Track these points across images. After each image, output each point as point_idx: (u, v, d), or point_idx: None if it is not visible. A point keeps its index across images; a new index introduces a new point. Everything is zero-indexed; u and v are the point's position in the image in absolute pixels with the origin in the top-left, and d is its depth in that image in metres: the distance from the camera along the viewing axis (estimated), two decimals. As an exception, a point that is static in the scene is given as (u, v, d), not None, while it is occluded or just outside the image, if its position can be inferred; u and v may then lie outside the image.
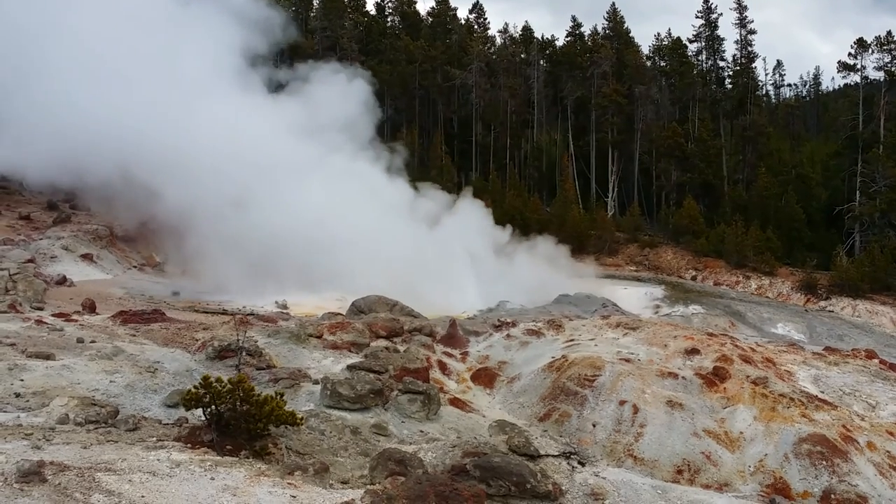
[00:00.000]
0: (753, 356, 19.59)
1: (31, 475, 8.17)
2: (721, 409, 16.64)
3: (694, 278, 51.96)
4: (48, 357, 15.54)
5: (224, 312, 28.36)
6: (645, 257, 56.53)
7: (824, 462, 14.25)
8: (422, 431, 14.66)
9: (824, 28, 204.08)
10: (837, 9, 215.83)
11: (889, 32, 57.74)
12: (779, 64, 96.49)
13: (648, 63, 76.42)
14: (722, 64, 73.61)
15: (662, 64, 75.04)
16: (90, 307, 24.70)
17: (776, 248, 51.50)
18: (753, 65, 71.98)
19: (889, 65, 57.71)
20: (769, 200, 57.27)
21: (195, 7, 44.62)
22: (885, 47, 57.78)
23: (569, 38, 79.62)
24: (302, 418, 12.54)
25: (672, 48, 73.68)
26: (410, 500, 8.92)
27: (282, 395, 12.30)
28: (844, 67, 59.87)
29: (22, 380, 13.82)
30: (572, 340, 21.78)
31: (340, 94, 46.69)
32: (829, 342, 31.99)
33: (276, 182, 38.22)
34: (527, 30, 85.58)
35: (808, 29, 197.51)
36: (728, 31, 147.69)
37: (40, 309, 24.10)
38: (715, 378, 17.81)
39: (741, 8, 68.89)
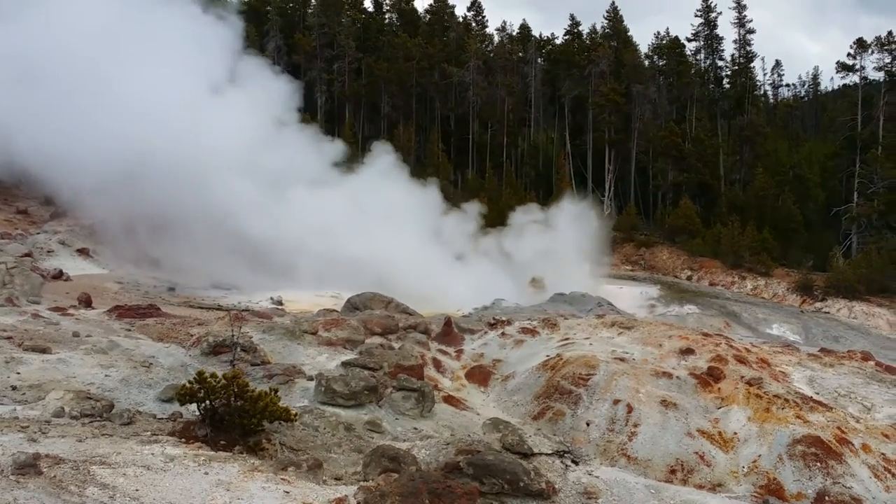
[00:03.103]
0: (748, 357, 19.58)
1: (27, 468, 8.19)
2: (715, 409, 16.63)
3: (689, 278, 52.03)
4: (44, 350, 15.56)
5: (219, 308, 28.44)
6: (641, 257, 56.60)
7: (819, 464, 14.25)
8: (416, 429, 14.67)
9: (813, 28, 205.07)
10: (824, 9, 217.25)
11: (890, 33, 57.77)
12: (777, 64, 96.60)
13: (646, 62, 76.40)
14: (720, 63, 73.73)
15: (660, 63, 74.98)
16: (86, 301, 24.72)
17: (772, 248, 51.52)
18: (752, 64, 72.25)
19: (889, 65, 57.71)
20: (766, 201, 57.36)
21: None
22: (885, 48, 57.73)
23: (567, 37, 79.69)
24: (296, 414, 12.56)
25: (670, 47, 73.69)
26: (403, 496, 8.94)
27: (276, 390, 12.30)
28: (843, 68, 59.89)
29: (18, 373, 13.84)
30: (567, 339, 21.78)
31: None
32: (824, 343, 32.00)
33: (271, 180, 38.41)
34: (524, 28, 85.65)
35: (797, 29, 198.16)
36: (726, 31, 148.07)
37: (37, 303, 24.13)
38: (709, 378, 17.81)
39: (740, 7, 69.02)
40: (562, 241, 44.65)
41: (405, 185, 46.06)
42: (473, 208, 48.73)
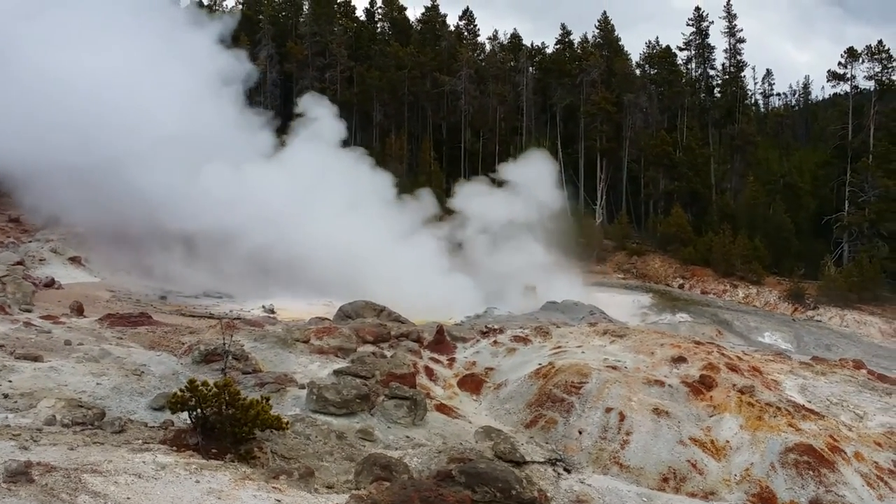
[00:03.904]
0: (740, 365, 19.61)
1: (19, 475, 8.17)
2: (707, 417, 16.65)
3: (681, 286, 52.03)
4: (36, 359, 15.53)
5: (211, 316, 28.35)
6: (633, 265, 56.56)
7: (811, 472, 14.27)
8: (408, 437, 14.64)
9: (800, 37, 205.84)
10: (811, 19, 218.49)
11: (880, 42, 57.97)
12: (768, 73, 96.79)
13: (637, 71, 76.54)
14: (711, 73, 73.83)
15: (652, 72, 75.10)
16: (78, 310, 24.70)
17: (764, 257, 51.53)
18: (742, 74, 72.40)
19: (879, 74, 57.87)
20: (757, 209, 57.37)
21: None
22: (875, 57, 57.92)
23: (558, 46, 79.80)
24: (287, 423, 12.53)
25: (661, 56, 73.84)
26: (396, 504, 8.93)
27: (268, 399, 12.30)
28: (834, 77, 59.99)
29: (10, 381, 13.80)
30: (559, 347, 21.78)
31: None
32: (816, 352, 32.06)
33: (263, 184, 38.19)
34: (516, 37, 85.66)
35: (785, 39, 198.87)
36: (716, 40, 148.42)
37: (28, 311, 24.09)
38: (701, 386, 17.83)
39: (730, 16, 69.21)
40: (518, 206, 44.34)
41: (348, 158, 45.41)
42: (428, 196, 47.33)
